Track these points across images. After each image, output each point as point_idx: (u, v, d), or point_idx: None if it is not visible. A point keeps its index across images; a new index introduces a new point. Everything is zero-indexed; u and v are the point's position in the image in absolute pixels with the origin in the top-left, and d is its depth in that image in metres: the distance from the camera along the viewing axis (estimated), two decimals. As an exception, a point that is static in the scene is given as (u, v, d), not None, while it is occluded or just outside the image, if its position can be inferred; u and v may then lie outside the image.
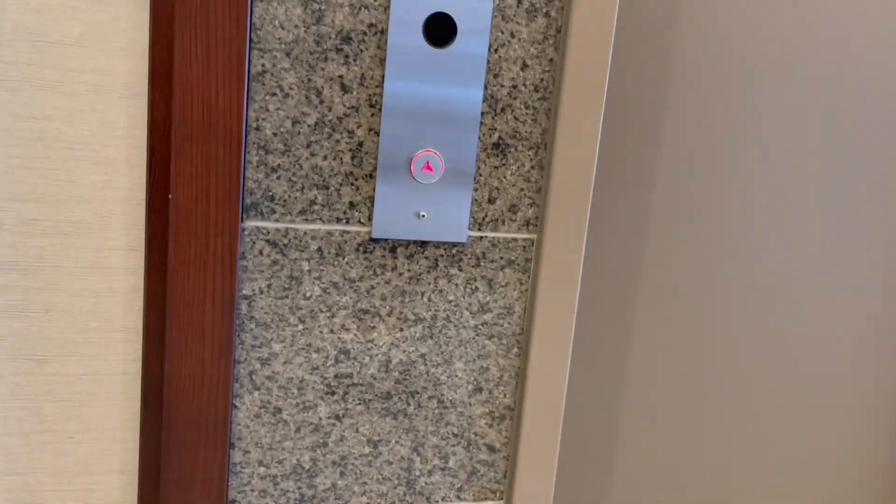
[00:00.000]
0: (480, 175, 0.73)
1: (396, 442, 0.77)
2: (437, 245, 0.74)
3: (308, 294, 0.71)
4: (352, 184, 0.71)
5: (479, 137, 0.72)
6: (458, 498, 0.80)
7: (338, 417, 0.75)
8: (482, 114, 0.72)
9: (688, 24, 0.92)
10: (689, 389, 1.04)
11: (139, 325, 0.70)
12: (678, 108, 0.94)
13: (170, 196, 0.65)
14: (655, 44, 0.91)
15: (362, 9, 0.67)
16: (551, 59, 0.73)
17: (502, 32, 0.71)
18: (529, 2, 0.71)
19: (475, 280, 0.76)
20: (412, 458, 0.78)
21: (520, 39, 0.71)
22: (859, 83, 0.99)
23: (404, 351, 0.75)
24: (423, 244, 0.73)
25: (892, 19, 0.98)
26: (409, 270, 0.74)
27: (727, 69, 0.94)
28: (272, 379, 0.72)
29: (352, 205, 0.71)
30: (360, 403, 0.75)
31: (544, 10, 0.71)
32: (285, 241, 0.70)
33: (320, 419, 0.74)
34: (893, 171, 1.03)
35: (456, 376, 0.77)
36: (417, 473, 0.78)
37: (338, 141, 0.69)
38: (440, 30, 0.69)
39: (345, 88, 0.68)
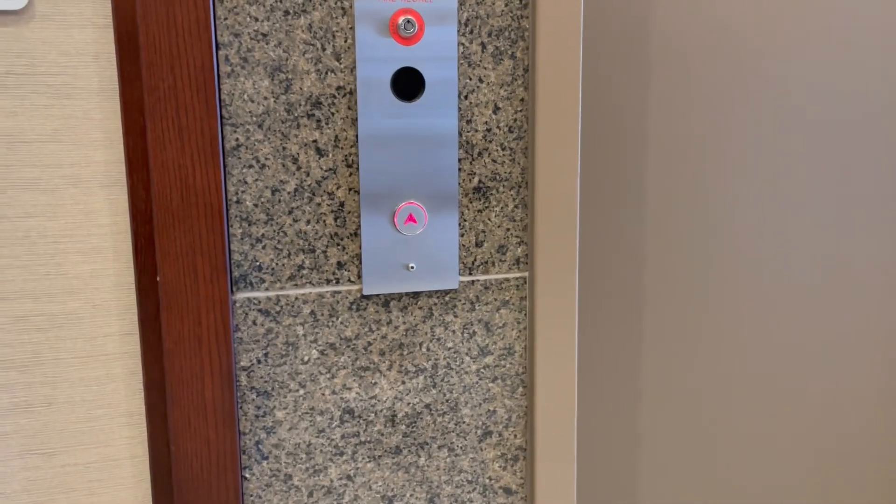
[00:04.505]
0: (465, 220, 0.74)
1: (411, 495, 0.76)
2: (430, 294, 0.74)
3: (306, 358, 0.72)
4: (338, 244, 0.71)
5: (459, 183, 0.73)
6: (480, 544, 0.79)
7: (349, 477, 0.74)
8: (459, 160, 0.72)
9: (657, 33, 0.92)
10: (707, 404, 1.03)
11: (142, 409, 0.71)
12: (658, 126, 0.94)
13: (158, 278, 0.65)
14: (627, 63, 0.92)
15: (329, 73, 0.68)
16: (522, 99, 0.73)
17: (470, 79, 0.71)
18: (494, 46, 0.71)
19: (472, 324, 0.75)
20: (429, 509, 0.77)
21: (488, 83, 0.72)
22: (849, 79, 0.98)
23: (408, 403, 0.75)
24: (416, 295, 0.73)
25: (887, 15, 0.98)
26: (404, 323, 0.74)
27: (703, 80, 0.94)
28: (279, 447, 0.72)
29: (340, 265, 0.71)
30: (370, 461, 0.75)
31: (510, 52, 0.72)
32: (277, 308, 0.70)
33: (332, 481, 0.74)
34: (889, 169, 1.02)
35: (463, 423, 0.77)
36: (436, 524, 0.78)
37: (319, 204, 0.70)
38: (408, 84, 0.70)
39: (320, 152, 0.69)
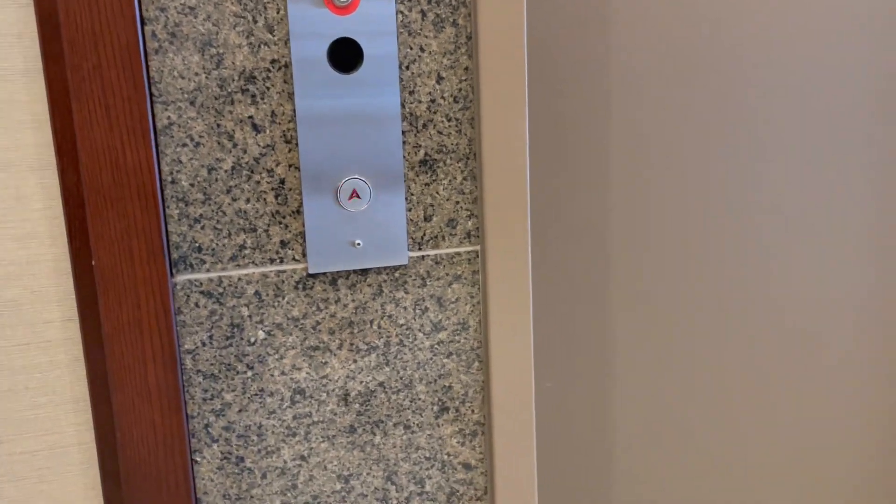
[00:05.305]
0: (412, 194, 0.72)
1: (368, 474, 0.76)
2: (379, 271, 0.72)
3: (252, 339, 0.70)
4: (280, 222, 0.69)
5: (405, 156, 0.71)
6: (440, 521, 0.79)
7: (303, 458, 0.74)
8: (403, 132, 0.70)
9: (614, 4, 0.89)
10: (673, 383, 1.02)
11: (87, 395, 0.70)
12: (615, 92, 0.92)
13: (93, 262, 0.64)
14: (580, 25, 0.89)
15: (261, 46, 0.66)
16: (466, 68, 0.71)
17: (411, 48, 0.69)
18: (434, 13, 0.69)
19: (424, 300, 0.74)
20: (387, 487, 0.76)
21: (430, 52, 0.70)
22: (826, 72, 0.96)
23: (361, 382, 0.74)
24: (364, 272, 0.72)
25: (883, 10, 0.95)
26: (353, 301, 0.72)
27: (664, 40, 0.92)
28: (229, 429, 0.71)
29: (283, 243, 0.70)
30: (324, 441, 0.74)
31: (451, 20, 0.70)
32: (220, 289, 0.69)
33: (285, 462, 0.73)
34: (866, 165, 1.00)
35: (419, 399, 0.76)
36: (395, 503, 0.77)
37: (258, 182, 0.68)
38: (346, 55, 0.68)
39: (257, 128, 0.67)
